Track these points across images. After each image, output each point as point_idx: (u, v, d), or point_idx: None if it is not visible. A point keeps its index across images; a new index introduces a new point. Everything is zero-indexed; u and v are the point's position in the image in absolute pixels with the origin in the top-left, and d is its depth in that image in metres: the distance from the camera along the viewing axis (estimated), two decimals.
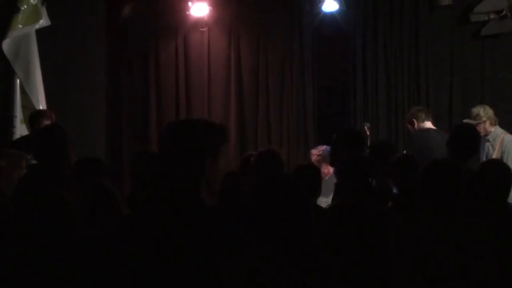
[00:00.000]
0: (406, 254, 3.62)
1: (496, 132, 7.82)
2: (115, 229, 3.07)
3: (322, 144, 8.68)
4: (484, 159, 7.62)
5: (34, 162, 5.52)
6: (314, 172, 5.17)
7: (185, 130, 2.87)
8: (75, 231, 3.52)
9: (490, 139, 7.82)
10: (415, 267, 3.57)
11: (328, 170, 7.97)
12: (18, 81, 7.80)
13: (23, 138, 7.26)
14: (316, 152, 8.20)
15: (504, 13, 9.14)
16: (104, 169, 4.96)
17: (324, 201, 5.78)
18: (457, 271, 3.52)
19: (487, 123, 7.79)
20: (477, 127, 7.64)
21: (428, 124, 7.77)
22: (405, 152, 7.15)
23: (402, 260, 3.62)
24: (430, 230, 3.62)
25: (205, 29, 9.96)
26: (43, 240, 3.45)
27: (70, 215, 3.53)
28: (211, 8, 9.71)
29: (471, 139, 5.71)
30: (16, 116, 7.72)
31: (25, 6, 7.78)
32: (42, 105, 7.82)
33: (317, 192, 5.03)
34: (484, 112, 7.79)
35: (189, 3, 9.60)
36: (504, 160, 7.42)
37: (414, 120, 7.79)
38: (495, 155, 7.62)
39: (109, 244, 3.05)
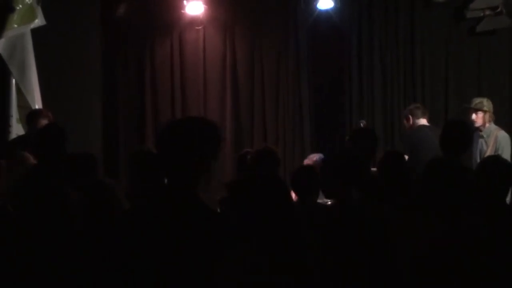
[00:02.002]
0: (407, 254, 3.61)
1: (490, 128, 7.82)
2: (114, 228, 3.06)
3: (317, 145, 8.70)
4: (478, 155, 7.64)
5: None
6: (311, 172, 5.18)
7: (184, 128, 2.87)
8: (75, 229, 3.51)
9: (484, 135, 7.81)
10: (416, 268, 3.57)
11: None
12: (13, 80, 7.77)
13: (19, 137, 7.25)
14: (309, 162, 8.12)
15: (499, 9, 9.15)
16: (97, 164, 5.00)
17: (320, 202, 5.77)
18: (459, 271, 3.51)
19: (487, 114, 7.80)
20: (476, 115, 7.67)
21: (423, 121, 7.77)
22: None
23: (403, 261, 3.61)
24: (431, 230, 3.62)
25: (200, 27, 9.97)
26: (42, 238, 3.44)
27: (71, 213, 3.53)
28: (206, 6, 9.72)
29: (463, 134, 5.68)
30: (12, 116, 7.70)
31: (21, 6, 7.75)
32: (38, 105, 7.80)
33: (314, 191, 5.03)
34: (487, 103, 7.80)
35: (184, 2, 9.62)
36: None
37: (410, 116, 7.79)
38: (489, 151, 7.61)
39: (108, 242, 3.05)
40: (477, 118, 7.73)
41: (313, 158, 8.07)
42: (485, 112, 7.77)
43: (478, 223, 3.71)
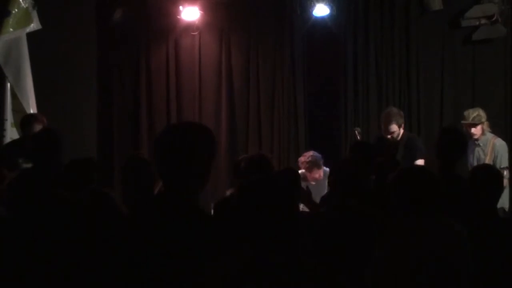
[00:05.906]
0: (384, 260, 3.61)
1: (486, 137, 7.83)
2: (112, 233, 3.06)
3: (311, 148, 8.71)
4: (475, 163, 7.63)
5: (26, 165, 5.53)
6: (292, 176, 5.21)
7: (180, 132, 2.89)
8: (71, 234, 3.50)
9: (481, 144, 7.82)
10: (394, 275, 3.57)
11: (319, 174, 8.00)
12: (8, 84, 7.79)
13: (14, 141, 7.26)
14: (304, 159, 8.14)
15: (495, 18, 9.14)
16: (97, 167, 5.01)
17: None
18: (433, 277, 3.51)
19: (485, 124, 7.83)
20: (475, 128, 7.68)
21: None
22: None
23: (382, 267, 3.61)
24: (403, 235, 3.63)
25: (196, 33, 9.98)
26: (37, 244, 3.44)
27: (71, 216, 3.52)
28: (202, 12, 9.73)
29: (458, 141, 5.68)
30: (6, 120, 7.72)
31: (16, 10, 7.78)
32: (32, 109, 7.81)
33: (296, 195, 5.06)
34: (483, 113, 7.83)
35: (180, 7, 9.61)
36: (498, 165, 7.45)
37: (403, 124, 7.79)
38: (487, 160, 7.62)
39: (107, 246, 3.05)
40: (476, 130, 7.75)
41: (308, 154, 8.13)
42: (482, 123, 7.79)
43: (455, 230, 3.70)
